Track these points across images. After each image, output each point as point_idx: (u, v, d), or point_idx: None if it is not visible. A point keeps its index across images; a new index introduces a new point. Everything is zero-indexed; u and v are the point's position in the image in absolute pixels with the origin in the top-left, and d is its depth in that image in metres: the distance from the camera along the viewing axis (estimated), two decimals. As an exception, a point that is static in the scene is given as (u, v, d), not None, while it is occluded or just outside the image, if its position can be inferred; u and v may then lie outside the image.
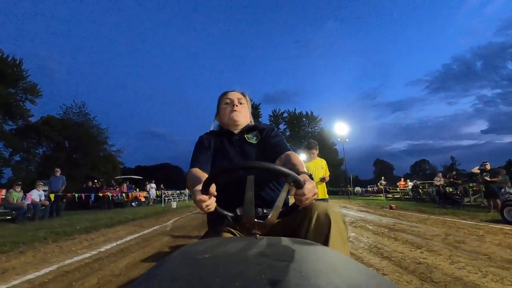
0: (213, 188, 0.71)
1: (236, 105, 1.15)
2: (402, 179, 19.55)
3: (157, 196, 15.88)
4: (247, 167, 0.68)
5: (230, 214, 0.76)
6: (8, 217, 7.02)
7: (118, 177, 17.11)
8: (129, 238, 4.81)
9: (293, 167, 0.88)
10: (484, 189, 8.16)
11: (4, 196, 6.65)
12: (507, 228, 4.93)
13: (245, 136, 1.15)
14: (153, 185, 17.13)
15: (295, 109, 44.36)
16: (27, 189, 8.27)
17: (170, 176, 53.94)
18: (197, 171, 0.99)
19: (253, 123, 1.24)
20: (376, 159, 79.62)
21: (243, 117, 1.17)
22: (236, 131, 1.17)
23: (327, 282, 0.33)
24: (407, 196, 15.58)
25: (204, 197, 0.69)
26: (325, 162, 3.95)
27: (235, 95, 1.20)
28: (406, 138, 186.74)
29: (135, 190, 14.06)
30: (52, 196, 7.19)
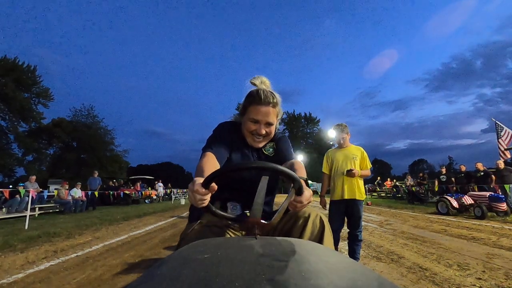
0: (214, 184, 0.69)
1: (261, 134, 1.05)
2: (389, 179, 21.65)
3: (164, 194, 17.94)
4: (262, 167, 0.67)
5: (225, 214, 0.75)
6: (56, 210, 8.92)
7: (133, 177, 19.07)
8: (159, 223, 6.66)
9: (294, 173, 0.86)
10: (437, 189, 10.07)
11: (55, 193, 8.51)
12: (434, 216, 6.77)
13: (263, 148, 1.16)
14: (161, 184, 19.14)
15: (294, 111, 46.42)
16: (40, 187, 9.72)
17: (173, 175, 56.05)
18: (210, 157, 0.96)
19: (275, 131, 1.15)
20: (374, 159, 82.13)
21: (264, 142, 1.12)
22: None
23: (327, 282, 0.33)
24: (389, 194, 17.47)
25: (202, 190, 0.67)
26: (362, 150, 2.93)
27: (265, 115, 1.02)
28: (406, 137, 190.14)
29: (148, 188, 15.95)
30: (96, 193, 9.07)
